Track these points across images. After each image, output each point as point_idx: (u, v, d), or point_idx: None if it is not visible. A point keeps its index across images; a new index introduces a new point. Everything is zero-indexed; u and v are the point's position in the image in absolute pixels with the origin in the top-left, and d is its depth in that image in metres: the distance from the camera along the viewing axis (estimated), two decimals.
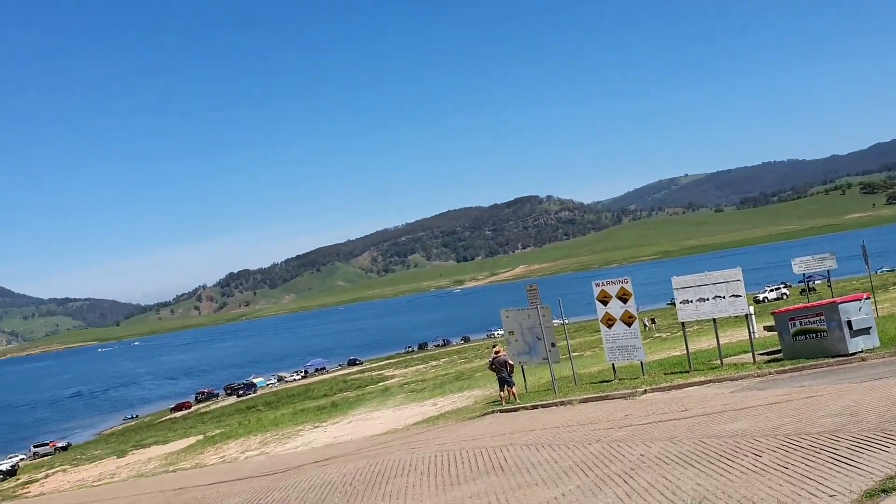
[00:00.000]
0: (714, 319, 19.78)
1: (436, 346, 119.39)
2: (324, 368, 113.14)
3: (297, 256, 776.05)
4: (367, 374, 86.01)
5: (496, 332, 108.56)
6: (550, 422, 15.85)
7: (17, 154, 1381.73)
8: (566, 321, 21.96)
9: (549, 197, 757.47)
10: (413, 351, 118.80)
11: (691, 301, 19.32)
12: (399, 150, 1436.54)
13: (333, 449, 22.83)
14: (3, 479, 53.24)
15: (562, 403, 18.31)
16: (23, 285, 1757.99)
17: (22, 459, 66.28)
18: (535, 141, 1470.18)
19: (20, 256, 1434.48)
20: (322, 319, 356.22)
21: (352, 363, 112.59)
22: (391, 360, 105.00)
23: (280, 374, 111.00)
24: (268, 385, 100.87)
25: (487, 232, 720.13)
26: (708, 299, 19.03)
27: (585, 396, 18.27)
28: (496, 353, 21.23)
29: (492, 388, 27.94)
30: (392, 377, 74.07)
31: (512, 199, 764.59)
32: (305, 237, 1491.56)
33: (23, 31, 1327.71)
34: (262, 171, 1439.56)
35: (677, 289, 19.66)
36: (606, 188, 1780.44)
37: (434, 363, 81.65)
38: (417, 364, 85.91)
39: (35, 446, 73.54)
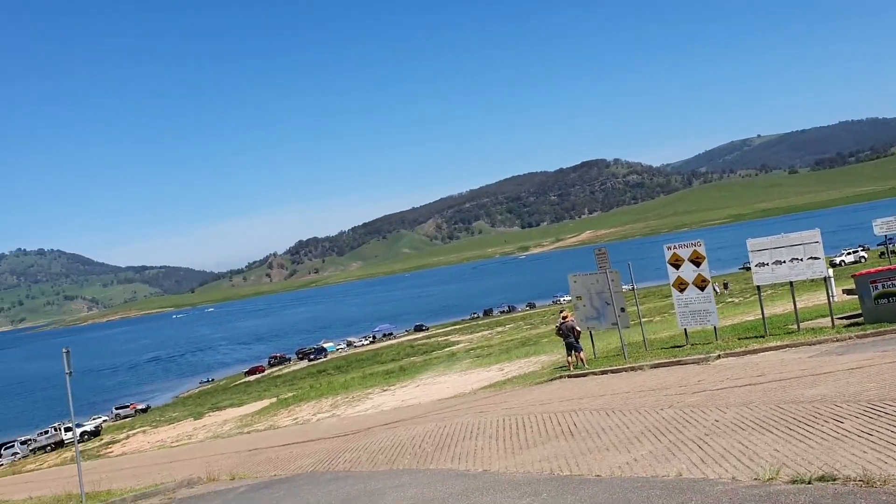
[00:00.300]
0: (791, 283, 19.16)
1: (501, 312, 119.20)
2: (391, 334, 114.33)
3: (364, 224, 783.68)
4: (433, 339, 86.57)
5: (562, 298, 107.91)
6: (620, 387, 15.65)
7: (93, 128, 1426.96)
8: (635, 286, 21.54)
9: (616, 160, 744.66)
10: (478, 317, 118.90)
11: (767, 264, 18.73)
12: (463, 116, 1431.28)
13: (402, 412, 23.09)
14: (88, 440, 55.81)
15: (632, 369, 18.06)
16: (102, 254, 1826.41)
17: (105, 421, 69.28)
18: (602, 104, 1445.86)
19: (99, 227, 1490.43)
20: (388, 286, 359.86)
21: (418, 329, 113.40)
22: (457, 326, 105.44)
23: (349, 339, 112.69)
24: (337, 350, 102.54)
25: (553, 197, 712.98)
26: (785, 262, 18.42)
27: (657, 362, 17.96)
28: (564, 318, 21.01)
29: (559, 354, 27.81)
30: (458, 343, 74.40)
31: (578, 163, 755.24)
32: (371, 205, 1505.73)
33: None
34: (329, 142, 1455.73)
35: (753, 251, 19.08)
36: (676, 150, 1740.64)
37: (499, 329, 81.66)
38: (483, 330, 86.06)
39: (117, 408, 76.64)
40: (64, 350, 14.66)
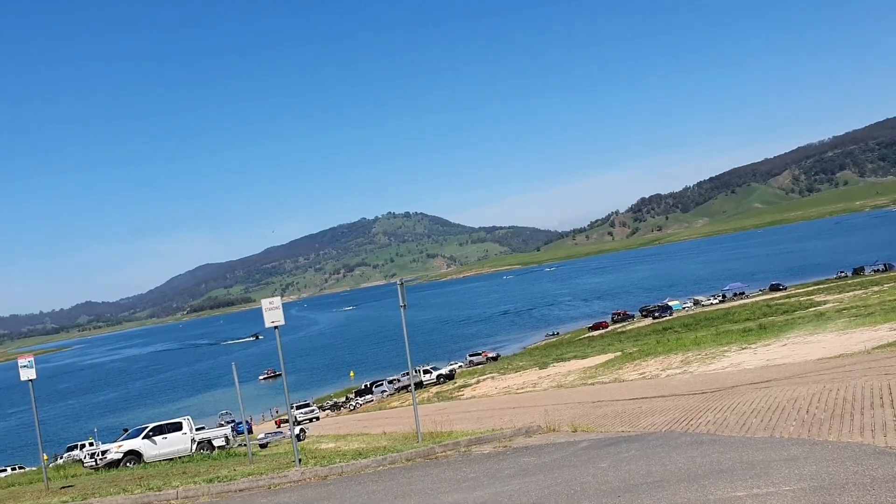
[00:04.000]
0: None
1: (875, 270, 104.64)
2: (743, 293, 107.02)
3: (710, 178, 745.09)
4: (792, 299, 78.53)
5: None
6: None
7: (447, 108, 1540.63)
8: None
9: None
10: (846, 276, 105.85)
11: None
12: (818, 54, 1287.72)
13: (771, 371, 19.83)
14: (443, 382, 59.61)
15: None
16: (458, 216, 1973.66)
17: (459, 366, 73.80)
18: None
19: (456, 191, 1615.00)
20: (738, 243, 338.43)
21: (774, 288, 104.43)
22: (820, 286, 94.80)
23: (696, 297, 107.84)
24: (683, 308, 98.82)
25: None
26: None
27: None
28: None
29: None
30: (824, 302, 66.19)
31: None
32: (718, 158, 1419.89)
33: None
34: (670, 92, 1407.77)
35: None
36: None
37: (876, 288, 71.13)
38: (854, 289, 75.80)
39: (470, 355, 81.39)
40: (398, 282, 14.10)
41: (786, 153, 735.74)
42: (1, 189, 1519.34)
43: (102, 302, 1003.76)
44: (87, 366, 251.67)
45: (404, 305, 13.94)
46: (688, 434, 11.32)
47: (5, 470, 53.31)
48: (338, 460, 12.32)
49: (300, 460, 12.80)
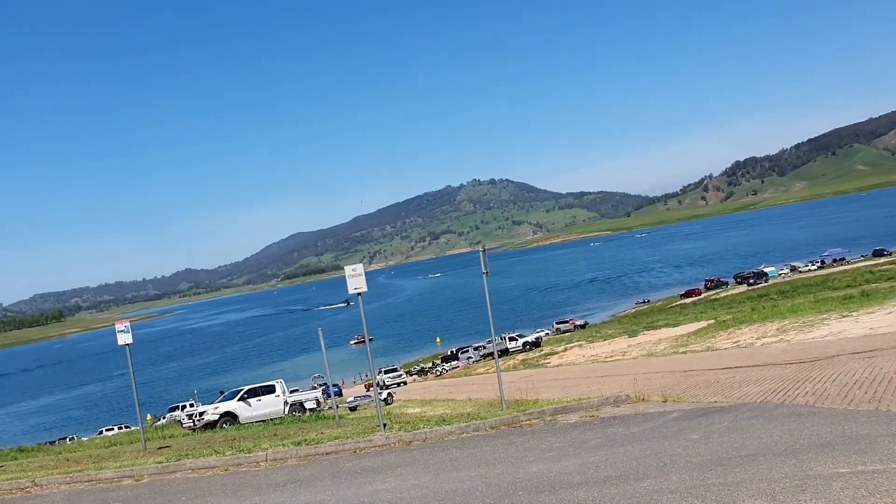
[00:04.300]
0: None
1: None
2: (843, 259, 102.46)
3: (809, 140, 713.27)
4: None
5: None
6: None
7: (520, 75, 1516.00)
8: None
9: None
10: None
11: None
12: None
13: (875, 340, 18.84)
14: (529, 350, 59.48)
15: None
16: (545, 182, 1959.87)
17: (546, 334, 73.38)
18: None
19: (542, 157, 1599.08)
20: (839, 207, 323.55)
21: (878, 254, 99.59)
22: None
23: (793, 263, 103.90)
24: (780, 275, 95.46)
25: None
26: None
27: None
28: None
29: None
30: None
31: None
32: (818, 118, 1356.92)
33: None
34: (766, 54, 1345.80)
35: None
36: None
37: None
38: None
39: (557, 323, 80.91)
40: (481, 249, 13.93)
41: (891, 112, 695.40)
42: (110, 166, 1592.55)
43: (201, 269, 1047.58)
44: (188, 330, 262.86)
45: (486, 272, 13.79)
46: (784, 405, 10.82)
47: (112, 429, 56.48)
48: (422, 426, 12.36)
49: (385, 425, 12.93)
